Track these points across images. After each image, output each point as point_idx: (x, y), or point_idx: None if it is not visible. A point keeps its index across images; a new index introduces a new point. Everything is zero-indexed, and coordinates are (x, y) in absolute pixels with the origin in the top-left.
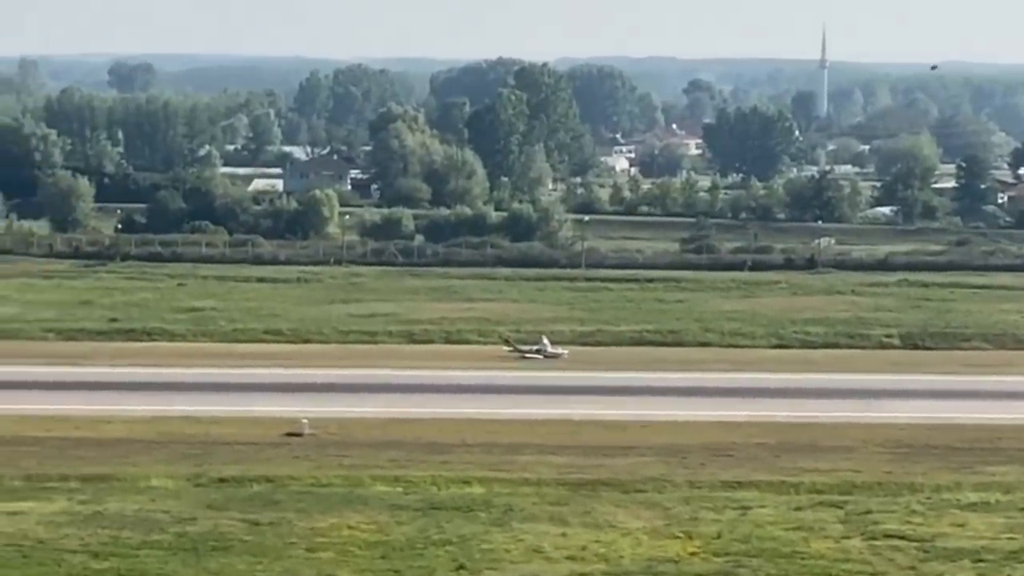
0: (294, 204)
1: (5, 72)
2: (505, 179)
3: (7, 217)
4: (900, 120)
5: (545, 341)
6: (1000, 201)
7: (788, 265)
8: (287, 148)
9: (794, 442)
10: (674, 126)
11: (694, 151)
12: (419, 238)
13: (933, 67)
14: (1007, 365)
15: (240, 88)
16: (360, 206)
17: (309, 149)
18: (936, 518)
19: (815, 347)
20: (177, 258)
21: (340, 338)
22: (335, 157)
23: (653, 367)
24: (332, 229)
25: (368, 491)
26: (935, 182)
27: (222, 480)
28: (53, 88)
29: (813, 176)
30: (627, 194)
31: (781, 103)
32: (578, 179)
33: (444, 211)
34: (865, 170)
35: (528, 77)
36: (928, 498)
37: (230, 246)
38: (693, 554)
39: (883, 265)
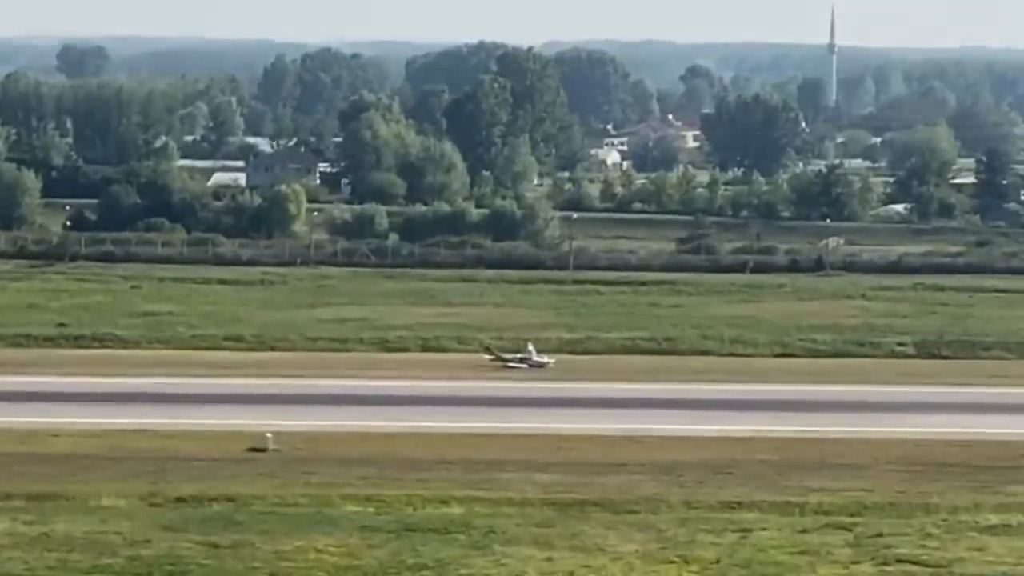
0: (258, 200)
1: None
2: (487, 173)
3: None
4: (915, 110)
5: (530, 349)
6: (1023, 198)
7: (793, 267)
8: (250, 139)
9: (799, 459)
10: (670, 116)
11: (692, 143)
12: (393, 237)
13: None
14: None
15: (200, 74)
16: (329, 202)
17: (274, 140)
18: (953, 542)
19: (822, 356)
20: (131, 258)
21: (307, 345)
22: (302, 149)
23: (647, 378)
24: (299, 227)
25: (337, 511)
26: (953, 178)
27: (179, 499)
28: None
29: (820, 171)
30: (619, 190)
31: (786, 91)
32: (566, 173)
33: (420, 208)
34: (877, 164)
35: (512, 63)
36: (944, 520)
37: (188, 245)
38: None
39: (896, 267)
